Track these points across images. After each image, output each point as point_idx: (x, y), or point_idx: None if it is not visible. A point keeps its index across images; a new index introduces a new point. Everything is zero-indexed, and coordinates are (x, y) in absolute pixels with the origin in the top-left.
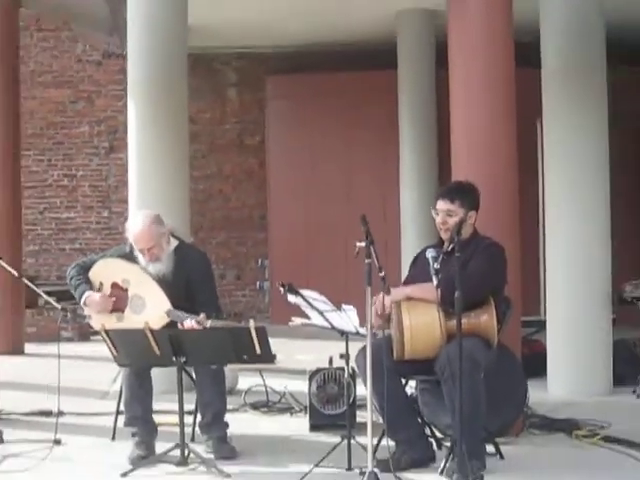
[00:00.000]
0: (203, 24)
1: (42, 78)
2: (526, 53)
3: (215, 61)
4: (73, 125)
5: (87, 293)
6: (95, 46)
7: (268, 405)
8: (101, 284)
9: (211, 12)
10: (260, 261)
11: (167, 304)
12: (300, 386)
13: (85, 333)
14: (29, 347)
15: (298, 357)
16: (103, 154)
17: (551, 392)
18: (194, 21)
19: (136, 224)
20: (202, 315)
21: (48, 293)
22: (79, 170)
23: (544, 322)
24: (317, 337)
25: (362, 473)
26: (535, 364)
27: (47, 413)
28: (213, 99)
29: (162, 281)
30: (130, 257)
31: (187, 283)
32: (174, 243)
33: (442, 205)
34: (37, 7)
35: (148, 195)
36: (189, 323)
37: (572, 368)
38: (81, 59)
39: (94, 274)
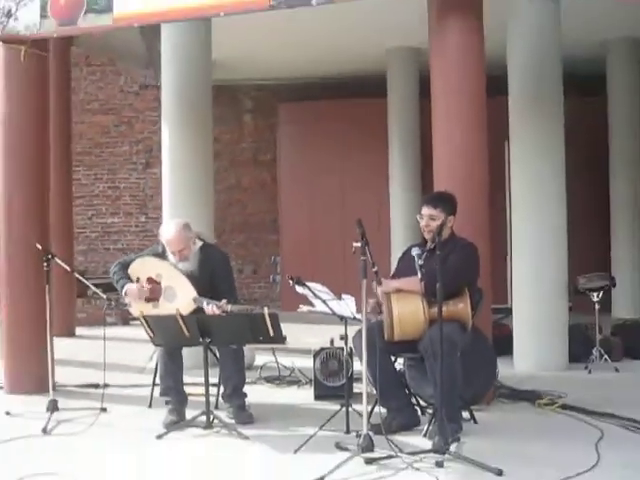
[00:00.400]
0: (225, 60)
1: (90, 106)
2: (496, 85)
3: (235, 91)
4: (116, 145)
5: (127, 286)
6: (134, 79)
7: (279, 379)
8: (138, 278)
9: (231, 50)
10: (272, 258)
11: (193, 293)
12: (306, 363)
13: (126, 318)
14: (79, 330)
15: (305, 339)
16: (141, 169)
17: (517, 368)
18: (217, 57)
19: (169, 230)
20: (223, 301)
21: (95, 285)
22: (121, 182)
23: (510, 309)
24: (320, 322)
25: (358, 435)
26: (503, 344)
27: (94, 385)
28: (233, 123)
29: (189, 275)
30: (162, 256)
31: (211, 277)
32: (199, 244)
33: (426, 211)
34: (86, 46)
35: (178, 203)
36: (213, 308)
37: (534, 347)
38: (123, 89)
39: (133, 270)
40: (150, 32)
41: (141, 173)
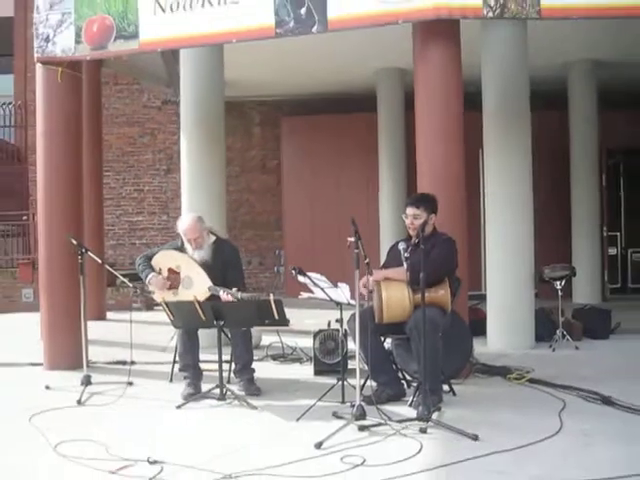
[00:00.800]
0: (236, 80)
1: (118, 119)
2: (471, 100)
3: (244, 106)
4: (140, 153)
5: (150, 275)
6: (157, 95)
7: (284, 356)
8: (160, 270)
9: (241, 71)
10: (277, 252)
11: (208, 282)
12: (307, 343)
13: (150, 304)
14: (109, 315)
15: (305, 321)
16: (162, 174)
17: (490, 346)
18: (229, 77)
19: (185, 221)
20: (234, 289)
21: (123, 275)
22: (145, 186)
23: (485, 295)
24: (319, 307)
25: (352, 405)
26: (478, 326)
27: (122, 362)
28: (243, 134)
29: (204, 265)
30: (181, 249)
31: (223, 267)
32: (212, 238)
33: (410, 211)
34: (114, 67)
35: (195, 204)
36: (225, 295)
37: (505, 329)
38: (146, 105)
39: (155, 262)
40: (170, 55)
41: (163, 178)
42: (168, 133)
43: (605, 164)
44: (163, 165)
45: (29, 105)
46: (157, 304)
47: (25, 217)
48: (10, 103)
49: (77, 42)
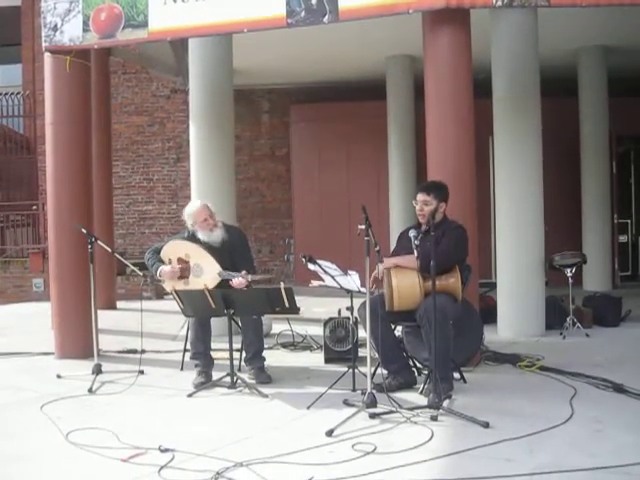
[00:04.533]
0: (245, 68)
1: (127, 108)
2: (482, 87)
3: (253, 94)
4: (150, 142)
5: (161, 268)
6: (165, 84)
7: (294, 344)
8: (170, 260)
9: (250, 59)
10: (287, 240)
11: (218, 267)
12: (317, 331)
13: (160, 293)
14: (120, 304)
15: (315, 309)
16: (172, 163)
17: (500, 334)
18: (238, 65)
19: (194, 205)
20: (244, 272)
21: (133, 264)
22: (154, 175)
23: (495, 283)
24: (329, 295)
25: (363, 393)
26: (488, 314)
27: (133, 351)
28: (252, 122)
29: (213, 251)
30: (189, 238)
31: (231, 251)
32: (220, 223)
33: (420, 197)
34: (123, 56)
35: (205, 193)
36: (236, 280)
37: (515, 317)
38: (155, 94)
39: (164, 253)
40: (179, 44)
41: (172, 167)
42: (177, 122)
43: (615, 151)
44: (172, 154)
45: (38, 95)
46: (167, 293)
47: (35, 207)
48: (18, 93)
49: (85, 31)
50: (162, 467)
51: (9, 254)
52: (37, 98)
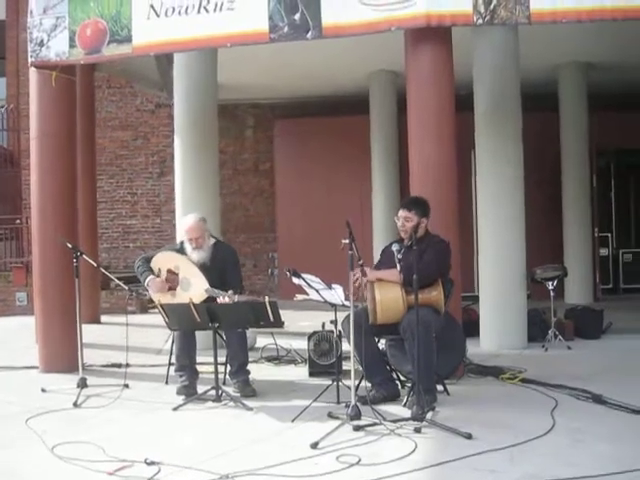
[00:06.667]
0: (229, 83)
1: (111, 123)
2: (464, 101)
3: (237, 109)
4: (134, 157)
5: (149, 278)
6: (150, 99)
7: (278, 358)
8: (159, 270)
9: (234, 75)
10: (270, 254)
11: (206, 284)
12: (301, 344)
13: (144, 307)
14: (104, 318)
15: (300, 323)
16: (156, 177)
17: (483, 347)
18: (222, 80)
19: (189, 220)
20: (230, 292)
21: (118, 279)
22: (138, 189)
23: (477, 297)
24: (314, 309)
25: (347, 406)
26: (471, 327)
27: (118, 365)
28: (236, 136)
29: (202, 267)
30: (180, 251)
31: (221, 269)
32: (212, 240)
33: (402, 213)
34: (107, 71)
35: (189, 207)
36: (222, 298)
37: (498, 329)
38: (139, 108)
39: (155, 262)
40: (163, 59)
41: (156, 181)
42: (161, 136)
43: (596, 165)
44: (156, 168)
45: (22, 108)
46: (152, 307)
47: (18, 221)
48: (2, 106)
49: (71, 46)
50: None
51: None
52: (21, 112)
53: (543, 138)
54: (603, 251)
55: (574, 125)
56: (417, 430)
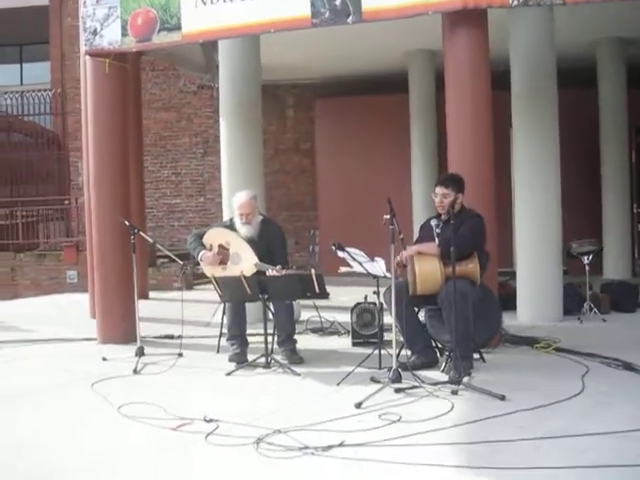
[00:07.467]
0: (271, 64)
1: (155, 104)
2: (500, 80)
3: (278, 89)
4: (177, 137)
5: (202, 252)
6: (192, 80)
7: (322, 329)
8: (211, 245)
9: (277, 56)
10: (312, 232)
11: (255, 258)
12: (343, 318)
13: (190, 284)
14: (152, 294)
15: (340, 298)
16: (199, 157)
17: (519, 319)
18: (264, 62)
19: (242, 196)
20: (278, 266)
21: (167, 256)
22: (182, 169)
23: (514, 272)
24: (352, 284)
25: (389, 370)
26: (507, 301)
27: (170, 336)
28: (277, 116)
29: (250, 242)
30: (230, 227)
31: (268, 244)
32: (260, 217)
33: (439, 190)
34: (152, 54)
35: (234, 186)
36: (270, 272)
37: (534, 302)
38: (182, 90)
39: (207, 239)
40: (208, 43)
41: (199, 161)
42: (204, 117)
43: (635, 141)
44: (199, 148)
45: (67, 92)
46: (197, 283)
47: (67, 202)
48: (48, 90)
49: (123, 35)
50: (209, 434)
51: (43, 247)
52: (67, 95)
53: (581, 114)
54: None
55: (612, 101)
56: (454, 392)
